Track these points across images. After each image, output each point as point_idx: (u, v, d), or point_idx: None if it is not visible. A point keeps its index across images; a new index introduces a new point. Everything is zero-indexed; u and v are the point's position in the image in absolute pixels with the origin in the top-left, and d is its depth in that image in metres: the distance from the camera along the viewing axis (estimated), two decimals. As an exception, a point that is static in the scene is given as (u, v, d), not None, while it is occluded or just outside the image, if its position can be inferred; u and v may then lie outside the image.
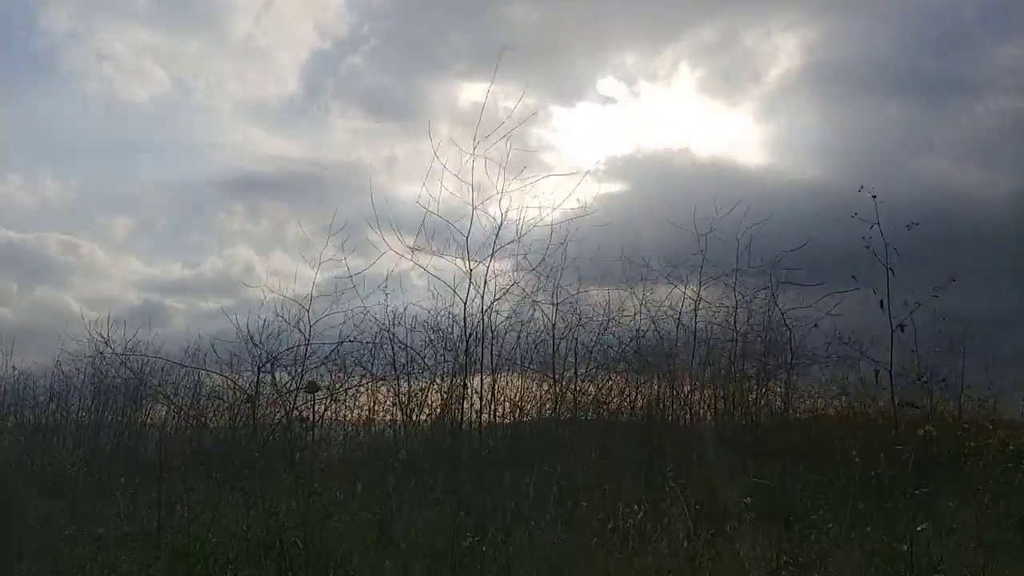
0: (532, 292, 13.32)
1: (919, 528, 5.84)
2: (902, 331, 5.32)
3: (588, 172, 14.63)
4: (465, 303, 7.94)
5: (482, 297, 8.14)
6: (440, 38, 38.75)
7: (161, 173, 39.55)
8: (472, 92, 33.50)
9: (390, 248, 8.67)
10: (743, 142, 34.83)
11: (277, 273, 29.64)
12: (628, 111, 32.25)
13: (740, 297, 14.11)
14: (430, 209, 8.18)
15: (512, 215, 8.72)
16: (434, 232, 8.51)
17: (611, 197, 21.34)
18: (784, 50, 35.95)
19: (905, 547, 5.82)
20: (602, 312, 15.07)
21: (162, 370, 15.82)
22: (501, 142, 8.29)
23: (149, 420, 16.16)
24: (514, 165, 8.45)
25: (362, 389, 14.84)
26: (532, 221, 9.10)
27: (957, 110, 33.00)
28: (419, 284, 12.44)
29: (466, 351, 9.40)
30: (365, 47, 42.26)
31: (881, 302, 5.35)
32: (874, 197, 5.62)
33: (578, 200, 9.83)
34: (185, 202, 38.00)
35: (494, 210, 8.48)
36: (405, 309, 14.40)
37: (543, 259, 10.04)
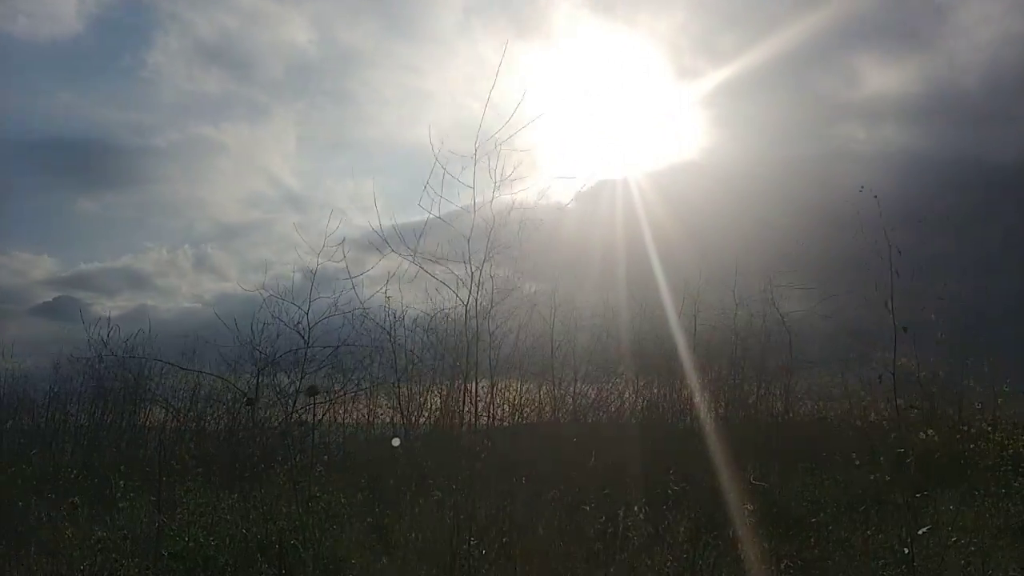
0: (530, 295, 13.32)
1: (920, 532, 5.82)
2: (905, 332, 5.31)
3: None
4: (467, 305, 7.90)
5: (478, 300, 8.09)
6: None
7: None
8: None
9: (392, 250, 8.58)
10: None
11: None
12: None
13: (739, 299, 14.15)
14: (433, 213, 8.09)
15: (507, 216, 8.65)
16: (425, 233, 8.43)
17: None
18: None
19: (906, 550, 5.81)
20: (600, 315, 15.11)
21: (161, 372, 15.83)
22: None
23: (148, 423, 16.12)
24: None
25: (361, 393, 14.85)
26: (527, 222, 9.05)
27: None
28: (418, 287, 12.45)
29: (468, 355, 9.37)
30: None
31: (886, 303, 5.35)
32: (875, 197, 5.63)
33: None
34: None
35: (487, 212, 8.40)
36: (404, 312, 14.44)
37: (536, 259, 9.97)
